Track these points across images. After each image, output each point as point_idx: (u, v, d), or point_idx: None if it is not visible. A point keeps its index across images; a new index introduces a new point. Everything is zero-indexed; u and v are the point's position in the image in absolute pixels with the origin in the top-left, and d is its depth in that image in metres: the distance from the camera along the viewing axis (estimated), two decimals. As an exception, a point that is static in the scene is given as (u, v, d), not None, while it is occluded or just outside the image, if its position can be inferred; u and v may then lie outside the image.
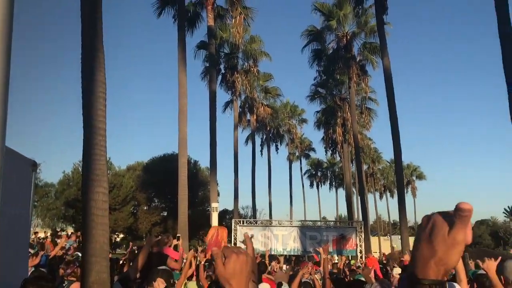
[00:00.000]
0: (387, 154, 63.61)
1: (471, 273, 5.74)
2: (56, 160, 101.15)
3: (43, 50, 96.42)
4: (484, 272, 4.96)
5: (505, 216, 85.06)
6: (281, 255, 21.08)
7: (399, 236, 27.72)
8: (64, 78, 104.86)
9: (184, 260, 7.47)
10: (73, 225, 39.73)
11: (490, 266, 3.60)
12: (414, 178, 68.72)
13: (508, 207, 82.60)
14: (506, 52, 14.30)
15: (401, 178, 23.53)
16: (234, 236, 22.36)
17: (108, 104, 7.78)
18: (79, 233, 15.70)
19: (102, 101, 7.49)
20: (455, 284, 3.93)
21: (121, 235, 45.97)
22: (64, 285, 6.03)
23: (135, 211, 42.11)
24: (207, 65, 31.49)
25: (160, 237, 7.88)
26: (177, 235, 11.91)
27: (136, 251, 11.86)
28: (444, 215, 0.92)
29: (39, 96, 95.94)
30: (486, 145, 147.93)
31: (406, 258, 9.68)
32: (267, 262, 10.62)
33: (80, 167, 40.43)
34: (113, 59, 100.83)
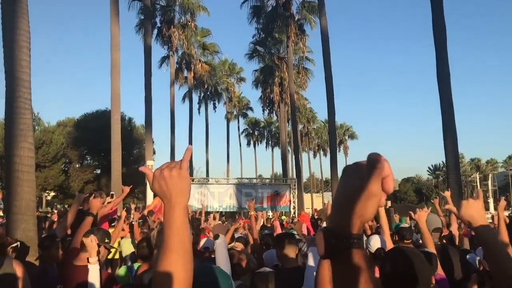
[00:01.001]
0: (322, 114, 65.24)
1: (394, 226, 6.12)
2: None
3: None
4: (405, 226, 5.31)
5: (428, 174, 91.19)
6: (217, 211, 21.36)
7: (331, 193, 28.95)
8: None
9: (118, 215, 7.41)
10: (-1, 183, 37.82)
11: (421, 216, 3.88)
12: (346, 137, 71.22)
13: (432, 165, 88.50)
14: (435, 14, 14.88)
15: (334, 138, 24.28)
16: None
17: (35, 55, 7.29)
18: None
19: (25, 50, 6.98)
20: (378, 236, 4.18)
21: (52, 193, 44.42)
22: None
23: (66, 168, 40.66)
24: (142, 17, 30.16)
25: (93, 194, 7.69)
26: (111, 192, 11.69)
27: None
28: (359, 168, 0.89)
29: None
30: (413, 107, 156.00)
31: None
32: (203, 218, 10.71)
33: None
34: (39, 5, 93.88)
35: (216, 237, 3.27)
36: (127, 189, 7.04)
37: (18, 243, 4.00)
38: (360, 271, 0.86)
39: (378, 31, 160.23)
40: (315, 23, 31.88)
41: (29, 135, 6.88)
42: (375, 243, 3.95)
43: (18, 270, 3.22)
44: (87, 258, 3.30)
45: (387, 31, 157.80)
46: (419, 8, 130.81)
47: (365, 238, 4.44)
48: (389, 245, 4.03)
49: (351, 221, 0.87)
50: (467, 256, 3.77)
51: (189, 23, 34.95)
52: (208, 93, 48.15)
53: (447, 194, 6.20)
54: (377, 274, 3.45)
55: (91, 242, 3.38)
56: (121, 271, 4.84)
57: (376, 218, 5.04)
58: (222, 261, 3.13)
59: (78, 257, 3.65)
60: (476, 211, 1.86)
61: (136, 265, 4.69)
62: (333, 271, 0.91)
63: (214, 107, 49.68)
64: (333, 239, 0.88)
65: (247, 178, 31.36)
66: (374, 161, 0.87)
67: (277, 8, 32.39)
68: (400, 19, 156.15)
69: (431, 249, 3.65)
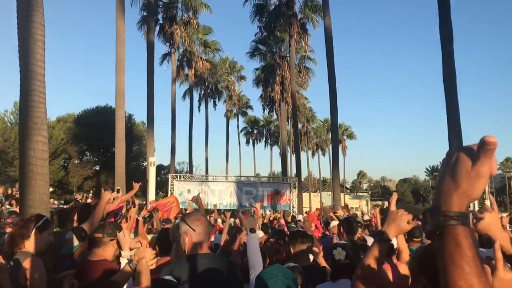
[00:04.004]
0: (321, 114, 65.33)
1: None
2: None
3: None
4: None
5: (426, 175, 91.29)
6: (226, 210, 21.41)
7: (328, 193, 28.82)
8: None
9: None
10: (-1, 177, 37.75)
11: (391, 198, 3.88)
12: (345, 137, 71.19)
13: (429, 166, 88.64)
14: (443, 18, 14.88)
15: (336, 137, 24.32)
16: (170, 190, 22.27)
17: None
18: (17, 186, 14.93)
19: (40, 44, 6.98)
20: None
21: (51, 189, 44.33)
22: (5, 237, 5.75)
23: (65, 164, 40.59)
24: (145, 14, 30.11)
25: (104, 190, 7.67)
26: (117, 187, 11.71)
27: (72, 203, 11.48)
28: (468, 150, 0.95)
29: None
30: (412, 109, 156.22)
31: (340, 213, 10.08)
32: (214, 216, 10.73)
33: (5, 117, 37.99)
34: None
35: (252, 230, 3.28)
36: (137, 186, 6.90)
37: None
38: (467, 248, 0.92)
39: (378, 30, 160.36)
40: (317, 22, 31.90)
41: (43, 128, 6.87)
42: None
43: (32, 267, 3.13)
44: (119, 252, 3.30)
45: (388, 30, 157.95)
46: (423, 6, 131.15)
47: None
48: (401, 243, 4.06)
49: (459, 200, 0.94)
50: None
51: (192, 21, 34.87)
52: (209, 91, 48.08)
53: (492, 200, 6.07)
54: (405, 271, 3.50)
55: (124, 236, 3.39)
56: None
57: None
58: (257, 255, 3.13)
59: (92, 253, 3.63)
60: (495, 224, 1.85)
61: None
62: (440, 248, 0.97)
63: (214, 105, 49.70)
64: (441, 217, 0.95)
65: (246, 176, 31.38)
66: (489, 143, 0.91)
67: (280, 6, 32.30)
68: (403, 18, 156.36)
69: None
